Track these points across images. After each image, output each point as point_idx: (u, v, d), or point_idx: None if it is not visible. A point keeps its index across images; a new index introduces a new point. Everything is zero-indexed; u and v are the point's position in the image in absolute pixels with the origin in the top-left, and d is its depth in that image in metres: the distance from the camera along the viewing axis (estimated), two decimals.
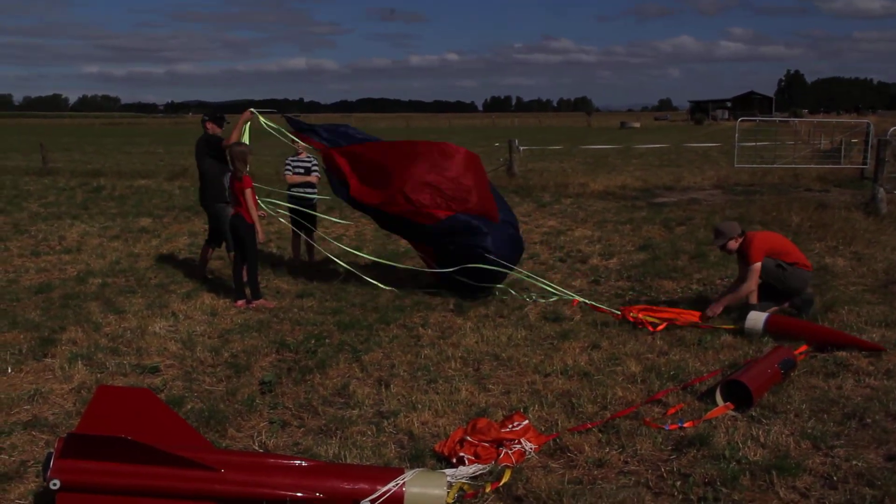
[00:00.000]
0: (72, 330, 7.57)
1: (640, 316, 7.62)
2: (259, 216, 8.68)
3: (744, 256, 7.78)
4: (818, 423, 5.24)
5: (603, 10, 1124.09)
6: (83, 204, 17.50)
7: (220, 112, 9.91)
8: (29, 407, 5.76)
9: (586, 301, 8.28)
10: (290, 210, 10.16)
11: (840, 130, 31.01)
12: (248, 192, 8.49)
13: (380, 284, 9.10)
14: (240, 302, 8.60)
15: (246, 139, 9.23)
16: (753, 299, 7.76)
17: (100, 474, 3.98)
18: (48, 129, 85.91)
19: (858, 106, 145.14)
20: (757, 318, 7.20)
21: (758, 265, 7.64)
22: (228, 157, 8.69)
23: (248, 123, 9.39)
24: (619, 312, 7.88)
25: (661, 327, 7.44)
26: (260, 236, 8.65)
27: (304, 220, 10.12)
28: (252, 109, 9.57)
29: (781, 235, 8.55)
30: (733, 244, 7.86)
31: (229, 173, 8.99)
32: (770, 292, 7.88)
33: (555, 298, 8.32)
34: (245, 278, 8.72)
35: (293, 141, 9.89)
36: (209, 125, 9.51)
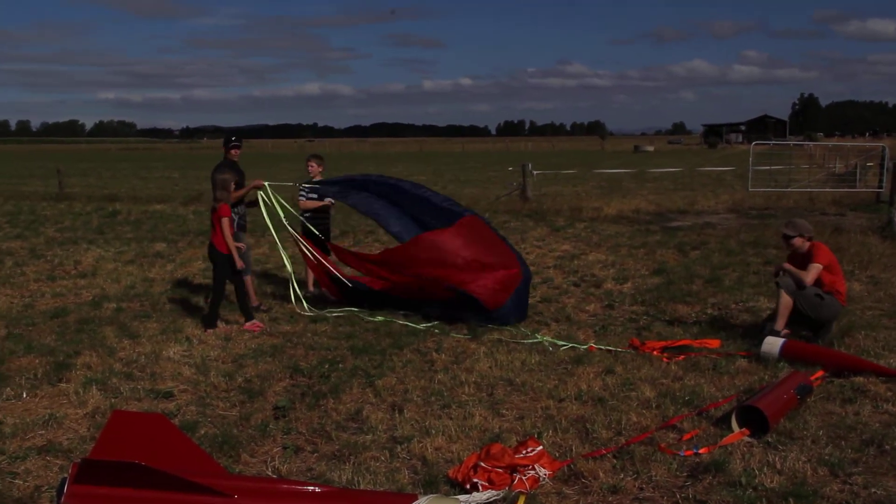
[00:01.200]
0: (86, 355, 7.60)
1: (656, 353, 7.51)
2: (237, 247, 8.77)
3: (809, 255, 7.78)
4: (835, 449, 5.18)
5: (618, 34, 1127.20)
6: (99, 229, 17.62)
7: (239, 136, 9.96)
8: (43, 432, 5.77)
9: (602, 347, 8.11)
10: (304, 236, 10.17)
11: (855, 154, 30.95)
12: (225, 221, 8.59)
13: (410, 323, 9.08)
14: (248, 325, 8.64)
15: (264, 214, 9.59)
16: (780, 325, 7.69)
17: (113, 500, 3.97)
18: (65, 155, 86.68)
19: (876, 129, 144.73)
20: (773, 343, 7.15)
21: (821, 267, 7.65)
22: (212, 184, 8.77)
23: (260, 194, 9.56)
24: (634, 349, 7.73)
25: (680, 357, 7.38)
26: (238, 264, 8.72)
27: (318, 244, 10.15)
28: (265, 183, 9.62)
29: None
30: (800, 241, 7.89)
31: (239, 204, 9.09)
32: (797, 320, 7.81)
33: (567, 346, 8.16)
34: (231, 301, 8.82)
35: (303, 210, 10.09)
36: (234, 152, 9.59)
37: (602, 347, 7.69)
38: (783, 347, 7.08)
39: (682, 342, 7.73)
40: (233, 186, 8.73)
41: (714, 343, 7.66)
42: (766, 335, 7.40)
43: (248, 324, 8.67)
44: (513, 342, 7.94)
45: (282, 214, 9.69)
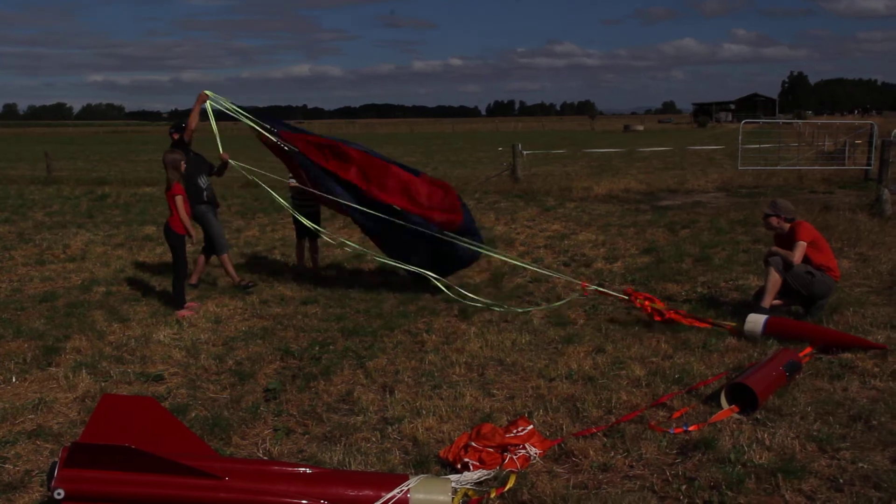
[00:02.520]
0: (76, 339, 7.58)
1: (647, 304, 7.61)
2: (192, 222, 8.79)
3: (792, 235, 7.81)
4: (824, 425, 5.22)
5: (608, 13, 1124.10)
6: (88, 212, 17.54)
7: (183, 122, 9.86)
8: (33, 416, 5.76)
9: (594, 287, 8.19)
10: (294, 216, 10.10)
11: (844, 132, 30.98)
12: (179, 199, 8.57)
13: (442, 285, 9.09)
14: (181, 312, 8.59)
15: (213, 125, 9.16)
16: (767, 302, 7.72)
17: (104, 483, 3.97)
18: (53, 138, 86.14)
19: (867, 107, 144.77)
20: (756, 321, 7.18)
21: (804, 244, 7.68)
22: (163, 164, 8.72)
23: (208, 104, 9.17)
24: (626, 296, 7.87)
25: (667, 314, 7.49)
26: (193, 236, 8.76)
27: (305, 232, 10.12)
28: (207, 92, 9.26)
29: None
30: (776, 221, 7.95)
31: (204, 174, 9.05)
32: (790, 294, 7.84)
33: (560, 303, 8.25)
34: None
35: (252, 128, 9.43)
36: (175, 136, 9.50)
37: (595, 288, 7.85)
38: (766, 324, 7.11)
39: (676, 314, 7.74)
40: (183, 165, 8.67)
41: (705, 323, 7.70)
42: (750, 313, 7.43)
43: (178, 312, 8.61)
44: (503, 321, 7.95)
45: (235, 110, 9.35)
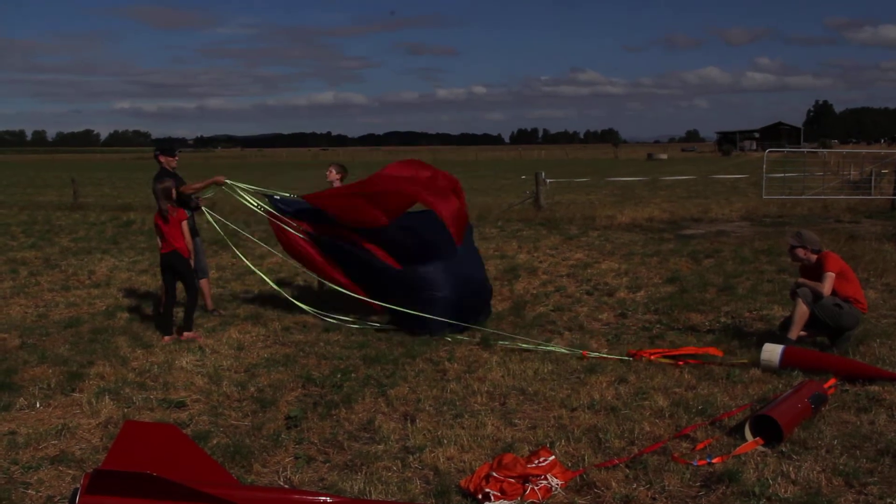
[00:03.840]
0: (100, 364, 7.63)
1: (653, 359, 7.49)
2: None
3: (819, 266, 7.75)
4: (850, 459, 5.14)
5: (631, 41, 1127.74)
6: (113, 238, 17.70)
7: (174, 144, 9.94)
8: (56, 442, 5.79)
9: (595, 354, 8.01)
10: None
11: (870, 161, 30.79)
12: (185, 224, 8.73)
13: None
14: (167, 338, 8.62)
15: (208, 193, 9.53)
16: (794, 334, 7.64)
17: None
18: (80, 164, 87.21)
19: None
20: (773, 352, 7.09)
21: (833, 275, 7.62)
22: (153, 194, 8.81)
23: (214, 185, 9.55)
24: (630, 358, 7.63)
25: (679, 363, 7.38)
26: (191, 262, 8.94)
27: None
28: (227, 181, 9.62)
29: None
30: (802, 252, 7.91)
31: (186, 206, 9.22)
32: (816, 326, 7.76)
33: (560, 349, 8.01)
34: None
35: (266, 212, 9.71)
36: (162, 158, 9.59)
37: (596, 355, 7.68)
38: (783, 355, 7.03)
39: (680, 350, 7.67)
40: (174, 193, 8.78)
41: (716, 352, 7.61)
42: (766, 343, 7.36)
43: (187, 333, 8.71)
44: (525, 350, 7.91)
45: (252, 202, 9.63)
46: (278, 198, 9.70)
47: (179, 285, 9.01)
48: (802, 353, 7.18)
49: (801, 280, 7.83)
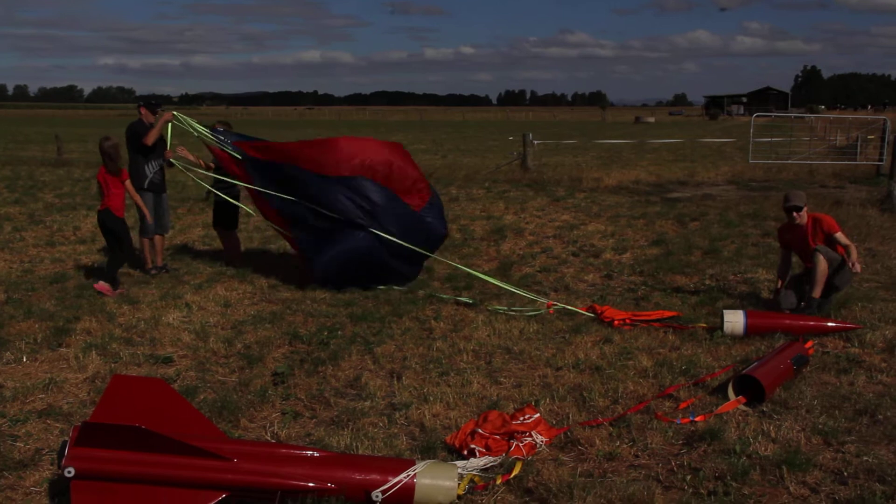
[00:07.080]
0: (86, 320, 7.63)
1: (616, 323, 7.48)
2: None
3: (819, 227, 7.81)
4: (829, 418, 5.23)
5: (621, 3, 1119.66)
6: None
7: (157, 100, 9.87)
8: (44, 396, 5.81)
9: (559, 304, 8.03)
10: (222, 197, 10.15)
11: (856, 127, 30.86)
12: (128, 182, 8.86)
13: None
14: (102, 286, 8.67)
15: (168, 139, 9.48)
16: (818, 293, 7.65)
17: (114, 462, 4.02)
18: (63, 120, 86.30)
19: (885, 102, 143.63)
20: (736, 321, 7.11)
21: (841, 233, 7.74)
22: (100, 153, 8.82)
23: (170, 124, 9.51)
24: (593, 314, 7.70)
25: (636, 320, 7.52)
26: (148, 218, 9.12)
27: (225, 217, 10.21)
28: (174, 112, 9.56)
29: None
30: (803, 215, 7.94)
31: (153, 161, 9.27)
32: (809, 280, 7.82)
33: (532, 312, 8.06)
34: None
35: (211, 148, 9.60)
36: (143, 110, 9.54)
37: (559, 306, 7.80)
38: (746, 324, 7.07)
39: (644, 315, 7.72)
40: (119, 154, 8.84)
41: (672, 314, 7.72)
42: (806, 303, 7.63)
43: (101, 285, 8.70)
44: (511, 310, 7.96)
45: (201, 131, 9.49)
46: (220, 129, 9.57)
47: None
48: (763, 318, 7.22)
49: (819, 244, 7.76)
